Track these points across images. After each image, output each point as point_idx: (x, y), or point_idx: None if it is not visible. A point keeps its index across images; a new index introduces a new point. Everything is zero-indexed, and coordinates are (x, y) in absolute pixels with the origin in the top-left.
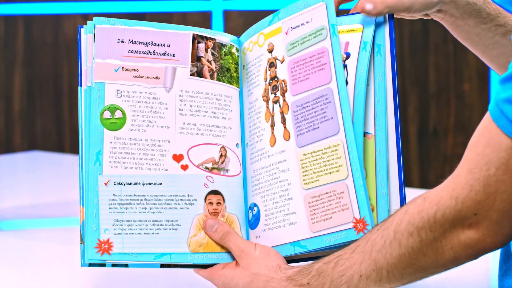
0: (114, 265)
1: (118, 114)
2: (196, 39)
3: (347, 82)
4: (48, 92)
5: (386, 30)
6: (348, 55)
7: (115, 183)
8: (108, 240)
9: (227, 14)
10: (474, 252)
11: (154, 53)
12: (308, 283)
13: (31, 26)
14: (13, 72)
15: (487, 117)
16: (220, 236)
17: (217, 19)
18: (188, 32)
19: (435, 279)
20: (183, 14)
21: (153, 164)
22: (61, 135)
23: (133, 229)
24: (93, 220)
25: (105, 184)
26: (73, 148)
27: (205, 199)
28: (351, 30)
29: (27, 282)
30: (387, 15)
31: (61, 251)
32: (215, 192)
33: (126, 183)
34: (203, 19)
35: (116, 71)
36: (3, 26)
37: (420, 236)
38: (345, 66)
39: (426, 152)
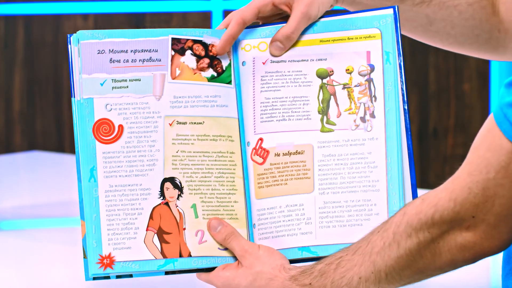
0: (118, 276)
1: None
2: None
3: (375, 98)
4: (48, 92)
5: (394, 34)
6: (372, 67)
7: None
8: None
9: (227, 14)
10: (471, 256)
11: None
12: (310, 284)
13: (31, 26)
14: (13, 72)
15: (490, 120)
16: (223, 237)
17: (217, 19)
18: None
19: (435, 279)
20: (183, 14)
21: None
22: (61, 135)
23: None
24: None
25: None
26: (73, 148)
27: None
28: (369, 37)
29: (27, 282)
30: (392, 19)
31: (61, 251)
32: None
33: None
34: (203, 19)
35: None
36: (3, 26)
37: (418, 238)
38: (371, 80)
39: (426, 152)
